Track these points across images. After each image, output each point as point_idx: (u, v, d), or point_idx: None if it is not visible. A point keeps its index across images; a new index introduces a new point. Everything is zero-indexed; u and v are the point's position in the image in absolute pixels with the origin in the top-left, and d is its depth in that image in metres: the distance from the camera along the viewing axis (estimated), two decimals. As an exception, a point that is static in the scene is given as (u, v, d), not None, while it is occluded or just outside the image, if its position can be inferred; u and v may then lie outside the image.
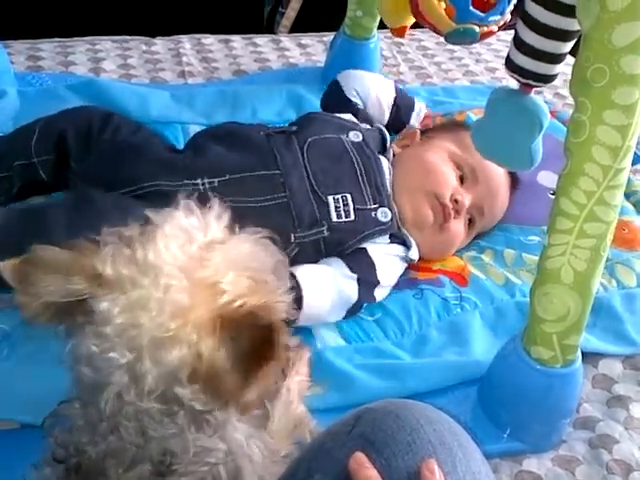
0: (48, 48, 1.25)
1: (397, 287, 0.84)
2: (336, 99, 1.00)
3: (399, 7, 0.83)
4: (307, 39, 1.40)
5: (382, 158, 0.89)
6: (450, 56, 1.38)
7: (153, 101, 1.07)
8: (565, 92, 1.25)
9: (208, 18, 1.57)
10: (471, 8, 0.83)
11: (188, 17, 1.60)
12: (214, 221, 0.47)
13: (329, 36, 1.31)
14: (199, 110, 1.09)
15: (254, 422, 0.55)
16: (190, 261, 0.44)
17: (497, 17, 0.84)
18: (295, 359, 0.69)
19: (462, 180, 0.88)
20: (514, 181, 0.93)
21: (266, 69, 1.28)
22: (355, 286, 0.78)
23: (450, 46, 1.37)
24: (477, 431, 0.57)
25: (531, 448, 0.70)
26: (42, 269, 0.44)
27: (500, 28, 0.85)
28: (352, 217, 0.80)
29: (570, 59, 0.64)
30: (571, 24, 0.62)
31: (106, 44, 1.29)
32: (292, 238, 0.77)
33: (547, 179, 1.03)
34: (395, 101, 1.02)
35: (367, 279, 0.79)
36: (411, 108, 1.04)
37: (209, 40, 1.35)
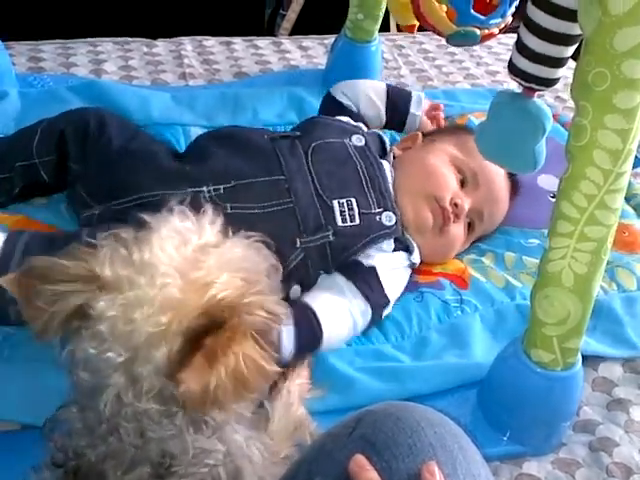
0: (49, 49, 1.26)
1: (398, 290, 0.84)
2: (328, 106, 1.00)
3: (407, 7, 0.84)
4: (308, 41, 1.40)
5: (384, 162, 0.89)
6: (451, 59, 1.39)
7: (154, 103, 1.07)
8: (566, 95, 1.25)
9: (209, 20, 1.57)
10: (472, 11, 0.83)
11: (189, 19, 1.61)
12: (208, 225, 0.48)
13: (330, 38, 1.31)
14: (200, 112, 1.09)
15: (254, 424, 0.55)
16: (185, 262, 0.45)
17: (498, 20, 0.85)
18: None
19: (463, 184, 0.89)
20: (514, 186, 0.93)
21: (267, 71, 1.28)
22: (369, 316, 0.77)
23: (451, 49, 1.38)
24: (477, 434, 0.57)
25: (531, 451, 0.70)
26: (43, 279, 0.44)
27: (501, 31, 0.85)
28: (357, 221, 0.80)
29: (571, 63, 0.64)
30: (573, 28, 0.62)
31: (107, 45, 1.30)
32: (298, 243, 0.77)
33: (547, 182, 1.03)
34: (388, 94, 1.01)
35: (379, 303, 0.78)
36: (407, 97, 1.03)
37: (210, 42, 1.35)
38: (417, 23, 0.86)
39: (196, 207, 0.56)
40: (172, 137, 1.02)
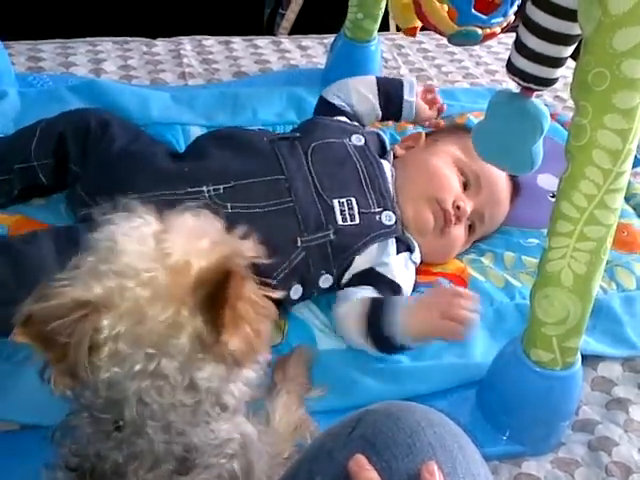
0: (49, 49, 1.25)
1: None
2: (322, 109, 1.00)
3: (409, 8, 0.84)
4: (307, 41, 1.40)
5: (384, 162, 0.89)
6: (450, 58, 1.39)
7: (154, 102, 1.07)
8: (565, 95, 1.25)
9: (208, 19, 1.57)
10: (473, 10, 0.83)
11: (189, 18, 1.61)
12: (147, 216, 0.48)
13: (329, 38, 1.31)
14: (199, 111, 1.09)
15: (255, 422, 0.55)
16: (154, 253, 0.46)
17: (499, 19, 0.85)
18: (297, 360, 0.69)
19: (465, 186, 0.89)
20: (516, 188, 0.94)
21: (266, 71, 1.28)
22: None
23: (450, 48, 1.38)
24: (476, 433, 0.57)
25: (530, 450, 0.70)
26: (46, 323, 0.43)
27: (503, 30, 0.85)
28: (357, 221, 0.80)
29: (571, 63, 0.64)
30: (572, 28, 0.62)
31: (107, 45, 1.30)
32: (299, 242, 0.77)
33: (547, 182, 1.03)
34: (378, 86, 1.01)
35: None
36: (399, 85, 1.03)
37: (210, 42, 1.35)
38: (419, 26, 0.86)
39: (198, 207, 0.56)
40: (172, 137, 1.02)
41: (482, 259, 0.91)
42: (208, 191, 0.77)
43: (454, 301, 0.70)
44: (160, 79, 1.21)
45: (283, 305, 0.80)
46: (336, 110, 0.97)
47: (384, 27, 1.28)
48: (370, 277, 0.79)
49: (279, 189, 0.79)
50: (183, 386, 0.45)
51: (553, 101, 1.25)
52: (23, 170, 0.85)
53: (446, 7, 0.85)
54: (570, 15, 0.61)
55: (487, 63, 1.39)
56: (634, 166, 0.59)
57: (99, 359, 0.44)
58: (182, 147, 0.98)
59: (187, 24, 1.46)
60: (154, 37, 1.34)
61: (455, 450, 0.47)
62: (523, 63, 0.66)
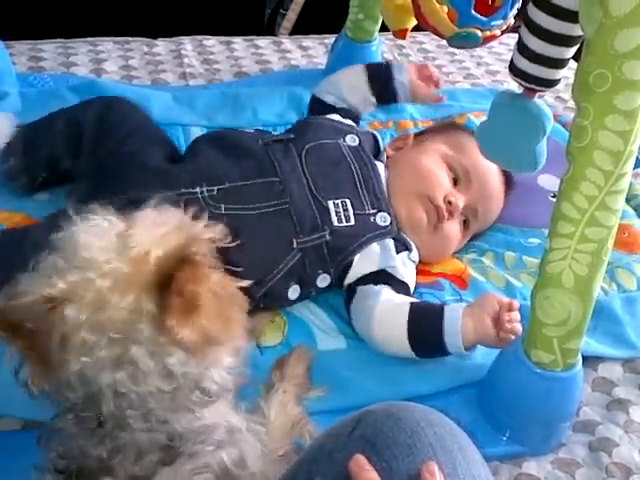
0: (49, 49, 1.26)
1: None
2: (315, 108, 1.00)
3: (402, 10, 0.84)
4: (308, 41, 1.40)
5: (378, 163, 0.89)
6: (451, 59, 1.39)
7: (155, 102, 1.07)
8: (566, 95, 1.25)
9: (209, 19, 1.57)
10: (473, 12, 0.83)
11: (189, 18, 1.61)
12: (108, 216, 0.50)
13: (330, 38, 1.31)
14: (200, 112, 1.09)
15: (251, 419, 0.55)
16: (116, 246, 0.47)
17: (499, 21, 0.84)
18: (296, 360, 0.69)
19: (456, 182, 0.89)
20: (509, 182, 0.93)
21: (267, 71, 1.28)
22: None
23: (451, 49, 1.37)
24: (477, 434, 0.57)
25: (531, 451, 0.70)
26: (16, 315, 0.45)
27: (503, 32, 0.85)
28: (352, 222, 0.81)
29: (572, 64, 0.64)
30: (574, 29, 0.62)
31: (108, 45, 1.30)
32: (294, 243, 0.77)
33: (548, 182, 1.03)
34: (367, 72, 1.00)
35: None
36: (387, 67, 1.01)
37: (210, 42, 1.35)
38: (409, 28, 0.86)
39: (190, 207, 0.56)
40: (172, 137, 1.02)
41: (483, 259, 0.91)
42: (202, 192, 0.78)
43: (504, 315, 0.72)
44: (161, 79, 1.22)
45: (282, 305, 0.80)
46: (330, 108, 0.97)
47: (385, 27, 1.28)
48: (384, 277, 0.79)
49: (273, 191, 0.80)
50: (157, 372, 0.46)
51: (554, 102, 1.25)
52: (49, 157, 0.87)
53: (446, 9, 0.85)
54: (571, 16, 0.61)
55: (488, 64, 1.39)
56: (635, 167, 0.60)
57: (68, 352, 0.45)
58: (182, 147, 0.98)
59: (188, 24, 1.46)
60: (155, 37, 1.34)
61: (455, 450, 0.47)
62: (525, 64, 0.66)
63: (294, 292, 0.78)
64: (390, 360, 0.76)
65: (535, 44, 0.64)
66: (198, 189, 0.78)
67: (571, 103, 1.21)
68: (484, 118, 1.12)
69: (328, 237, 0.79)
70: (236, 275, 0.51)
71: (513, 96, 0.71)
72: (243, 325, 0.50)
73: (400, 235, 0.84)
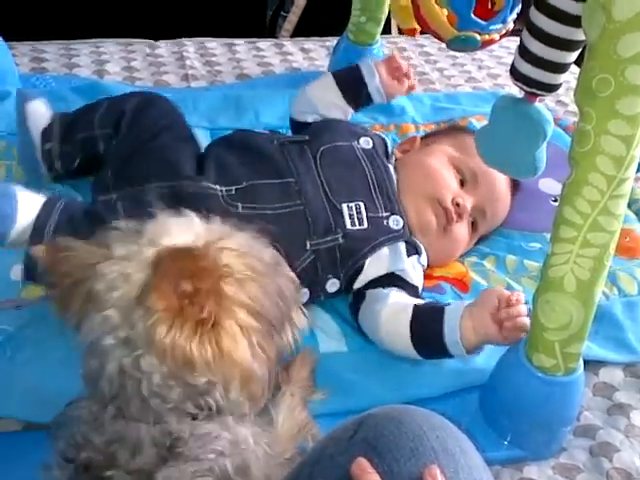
0: (52, 50, 1.26)
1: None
2: (295, 128, 0.99)
3: (407, 10, 0.84)
4: (310, 44, 1.40)
5: (389, 166, 0.89)
6: (452, 62, 1.39)
7: (157, 104, 1.08)
8: (567, 99, 1.25)
9: (211, 21, 1.57)
10: (472, 16, 0.83)
11: (191, 20, 1.61)
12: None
13: (332, 41, 1.31)
14: (202, 113, 1.10)
15: (259, 423, 0.55)
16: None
17: (499, 26, 0.85)
18: (301, 362, 0.69)
19: (463, 183, 0.89)
20: (515, 184, 0.94)
21: (269, 73, 1.28)
22: None
23: (452, 52, 1.37)
24: (478, 438, 0.57)
25: (532, 455, 0.70)
26: (67, 254, 0.50)
27: (502, 36, 0.85)
28: (365, 225, 0.81)
29: (574, 68, 0.64)
30: (576, 34, 0.62)
31: (110, 47, 1.30)
32: (307, 245, 0.78)
33: (548, 186, 1.03)
34: (337, 82, 0.97)
35: None
36: (357, 72, 0.98)
37: (212, 44, 1.35)
38: (418, 27, 0.86)
39: (211, 203, 0.56)
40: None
41: (484, 262, 0.91)
42: (221, 191, 0.78)
43: (510, 310, 0.70)
44: (163, 81, 1.22)
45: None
46: (310, 125, 0.96)
47: (386, 30, 1.28)
48: (393, 280, 0.79)
49: (289, 192, 0.80)
50: (159, 371, 0.48)
51: (555, 106, 1.25)
52: (85, 140, 0.88)
53: (445, 12, 0.85)
54: (574, 21, 0.61)
55: (489, 67, 1.39)
56: (638, 171, 0.60)
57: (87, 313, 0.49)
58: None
59: (190, 26, 1.46)
60: (157, 39, 1.34)
61: (457, 454, 0.47)
62: (527, 68, 0.66)
63: (303, 296, 0.78)
64: (391, 363, 0.76)
65: (537, 48, 0.64)
66: (218, 187, 0.78)
67: (572, 107, 1.21)
68: (485, 122, 1.13)
69: (341, 240, 0.79)
70: None
71: (514, 100, 0.71)
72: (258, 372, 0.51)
73: (411, 238, 0.84)
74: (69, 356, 0.68)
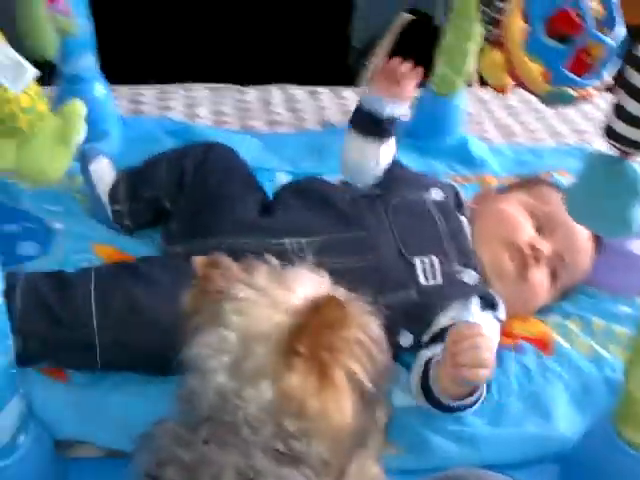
0: (149, 93, 1.33)
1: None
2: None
3: (499, 68, 0.84)
4: (392, 93, 1.42)
5: (462, 217, 0.89)
6: (536, 116, 1.37)
7: (244, 147, 1.11)
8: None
9: (296, 68, 1.63)
10: (567, 72, 0.83)
11: (277, 66, 1.68)
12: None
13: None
14: (286, 158, 1.12)
15: (335, 475, 0.54)
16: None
17: (595, 81, 0.84)
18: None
19: (540, 231, 0.87)
20: (597, 237, 0.90)
21: (352, 121, 1.31)
22: None
23: (536, 105, 1.36)
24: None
25: (616, 537, 0.66)
26: (218, 271, 0.54)
27: (599, 92, 0.84)
28: (439, 280, 0.80)
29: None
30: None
31: (201, 91, 1.36)
32: (380, 300, 0.77)
33: (640, 248, 0.99)
34: (353, 132, 0.92)
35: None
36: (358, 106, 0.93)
37: (297, 91, 1.40)
38: (510, 84, 0.86)
39: (280, 258, 0.58)
40: (259, 180, 1.05)
41: (568, 323, 0.88)
42: (290, 243, 0.79)
43: (462, 344, 0.64)
44: (249, 125, 1.26)
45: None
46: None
47: (468, 82, 1.29)
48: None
49: (361, 246, 0.80)
50: (255, 398, 0.49)
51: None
52: (151, 199, 0.91)
53: (540, 68, 0.85)
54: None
55: (574, 121, 1.37)
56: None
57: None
58: (268, 191, 1.01)
59: (275, 72, 1.52)
60: (244, 84, 1.40)
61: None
62: (622, 127, 0.64)
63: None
64: (468, 423, 0.74)
65: (633, 107, 0.63)
66: (287, 240, 0.79)
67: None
68: (569, 177, 1.11)
69: (414, 295, 0.78)
70: None
71: (607, 158, 0.70)
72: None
73: (487, 292, 0.82)
74: (150, 386, 0.71)
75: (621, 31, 0.78)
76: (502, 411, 0.76)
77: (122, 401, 0.70)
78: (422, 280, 0.79)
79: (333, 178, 0.96)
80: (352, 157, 0.93)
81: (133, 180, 0.94)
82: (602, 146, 0.71)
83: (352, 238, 0.81)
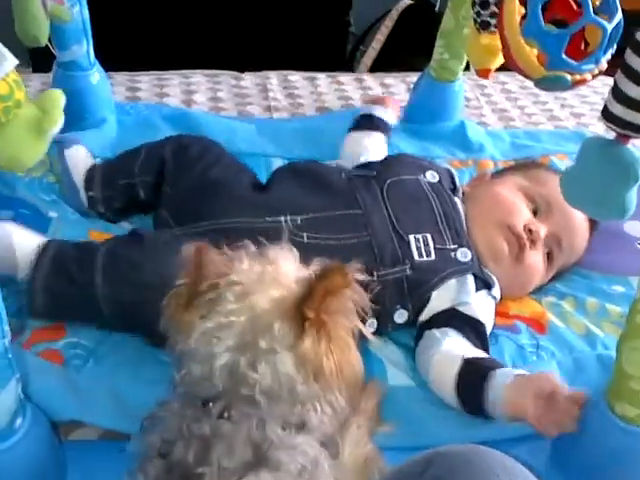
0: (145, 80, 1.33)
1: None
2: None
3: (488, 50, 0.84)
4: (390, 79, 1.42)
5: (456, 199, 0.89)
6: (534, 100, 1.37)
7: (240, 134, 1.12)
8: (656, 141, 1.21)
9: (293, 54, 1.63)
10: (564, 56, 0.82)
11: (274, 53, 1.67)
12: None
13: (412, 76, 1.33)
14: (282, 144, 1.12)
15: (329, 453, 0.55)
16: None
17: (591, 66, 0.83)
18: (368, 394, 0.69)
19: (536, 213, 0.87)
20: (592, 219, 0.90)
21: (349, 107, 1.30)
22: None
23: (534, 90, 1.36)
24: (552, 486, 0.55)
25: (608, 510, 0.66)
26: (208, 259, 0.55)
27: (594, 77, 0.84)
28: (433, 256, 0.80)
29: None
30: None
31: (198, 78, 1.36)
32: (375, 276, 0.78)
33: (634, 228, 0.99)
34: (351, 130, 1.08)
35: (487, 344, 0.78)
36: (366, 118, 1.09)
37: (295, 77, 1.40)
38: (492, 68, 0.86)
39: (275, 236, 0.59)
40: (254, 167, 1.05)
41: (562, 303, 0.88)
42: (286, 221, 0.79)
43: (563, 408, 0.64)
44: (247, 111, 1.26)
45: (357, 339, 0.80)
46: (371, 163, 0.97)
47: (468, 66, 1.28)
48: (451, 317, 0.78)
49: (356, 223, 0.81)
50: (270, 375, 0.52)
51: (643, 146, 1.21)
52: (125, 185, 0.92)
53: (535, 51, 0.85)
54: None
55: (572, 106, 1.36)
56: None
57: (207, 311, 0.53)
58: (264, 178, 1.01)
59: (273, 58, 1.51)
60: (242, 71, 1.40)
61: (532, 501, 0.46)
62: (620, 110, 0.64)
63: (370, 326, 0.78)
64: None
65: (632, 90, 0.63)
66: (282, 218, 0.80)
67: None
68: (567, 161, 1.11)
69: (409, 271, 0.79)
70: None
71: (604, 142, 0.69)
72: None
73: (482, 272, 0.83)
74: (145, 368, 0.72)
75: (618, 16, 0.78)
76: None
77: (117, 383, 0.71)
78: (416, 256, 0.80)
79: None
80: (346, 150, 1.04)
81: (109, 168, 0.94)
82: (600, 130, 0.71)
83: (347, 215, 0.82)
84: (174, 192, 0.89)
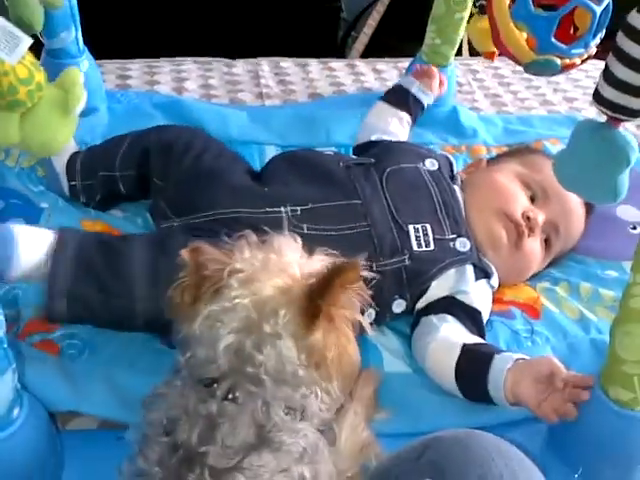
0: (136, 67, 1.32)
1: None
2: (360, 154, 0.99)
3: (487, 33, 0.84)
4: (382, 64, 1.41)
5: (455, 187, 0.89)
6: (527, 84, 1.37)
7: (232, 121, 1.11)
8: (649, 125, 1.21)
9: (285, 41, 1.62)
10: (553, 40, 0.82)
11: (267, 40, 1.66)
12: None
13: (404, 62, 1.32)
14: (275, 131, 1.12)
15: (326, 439, 0.56)
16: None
17: (580, 50, 0.83)
18: (365, 381, 0.70)
19: (533, 200, 0.87)
20: (588, 204, 0.91)
21: (341, 93, 1.30)
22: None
23: (526, 75, 1.35)
24: (547, 469, 0.56)
25: (603, 492, 0.67)
26: (205, 258, 0.55)
27: (583, 61, 0.84)
28: (432, 247, 0.80)
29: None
30: (665, 59, 0.60)
31: (189, 65, 1.35)
32: (374, 266, 0.78)
33: (627, 213, 1.00)
34: (384, 100, 1.06)
35: (484, 333, 0.79)
36: (397, 84, 1.09)
37: (287, 63, 1.39)
38: (497, 51, 0.85)
39: (275, 226, 0.59)
40: (247, 155, 1.05)
41: (556, 289, 0.88)
42: (286, 212, 0.79)
43: (565, 393, 0.64)
44: (238, 98, 1.26)
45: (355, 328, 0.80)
46: (374, 147, 0.97)
47: (459, 52, 1.28)
48: (449, 305, 0.78)
49: (355, 213, 0.80)
50: (274, 358, 0.52)
51: (636, 130, 1.21)
52: (106, 177, 0.90)
53: (525, 35, 0.84)
54: (663, 46, 0.59)
55: (565, 90, 1.36)
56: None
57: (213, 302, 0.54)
58: (257, 165, 1.00)
59: (265, 45, 1.50)
60: (234, 58, 1.39)
61: (527, 483, 0.47)
62: (611, 93, 0.64)
63: (369, 316, 0.78)
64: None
65: (623, 73, 0.63)
66: (282, 208, 0.79)
67: (653, 132, 1.17)
68: (560, 145, 1.11)
69: (407, 261, 0.79)
70: None
71: (596, 125, 0.69)
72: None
73: (480, 261, 0.83)
74: (142, 357, 0.72)
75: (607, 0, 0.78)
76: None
77: (113, 373, 0.71)
78: (415, 246, 0.80)
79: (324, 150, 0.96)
80: (373, 120, 1.04)
81: (91, 156, 0.93)
82: (593, 114, 0.71)
83: (347, 205, 0.81)
84: (167, 184, 0.88)
